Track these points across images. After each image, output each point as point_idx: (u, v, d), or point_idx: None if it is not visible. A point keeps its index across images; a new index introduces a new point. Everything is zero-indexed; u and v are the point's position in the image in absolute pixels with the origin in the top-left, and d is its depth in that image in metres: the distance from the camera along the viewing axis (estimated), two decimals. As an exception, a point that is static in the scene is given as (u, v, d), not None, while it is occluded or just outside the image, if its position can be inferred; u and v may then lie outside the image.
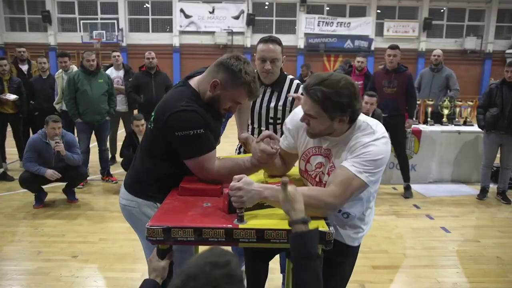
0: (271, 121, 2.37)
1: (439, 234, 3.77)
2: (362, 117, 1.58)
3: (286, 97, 2.34)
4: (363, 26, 17.97)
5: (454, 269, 3.08)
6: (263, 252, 1.93)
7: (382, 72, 4.80)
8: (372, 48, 17.91)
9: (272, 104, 2.35)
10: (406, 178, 4.89)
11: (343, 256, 1.71)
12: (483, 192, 4.82)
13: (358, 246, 1.80)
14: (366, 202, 1.69)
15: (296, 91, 2.35)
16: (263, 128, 2.44)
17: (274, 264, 3.04)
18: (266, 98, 2.35)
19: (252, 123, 2.49)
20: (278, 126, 2.39)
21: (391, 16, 18.10)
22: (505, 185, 4.78)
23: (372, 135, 1.51)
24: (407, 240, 3.61)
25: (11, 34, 17.39)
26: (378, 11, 18.08)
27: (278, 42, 2.25)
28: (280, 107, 2.33)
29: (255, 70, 2.01)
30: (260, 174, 1.95)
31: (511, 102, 4.45)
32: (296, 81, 2.39)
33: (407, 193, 4.86)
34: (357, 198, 1.59)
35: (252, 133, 2.49)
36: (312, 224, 1.37)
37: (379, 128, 1.55)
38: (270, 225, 1.36)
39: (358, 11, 18.20)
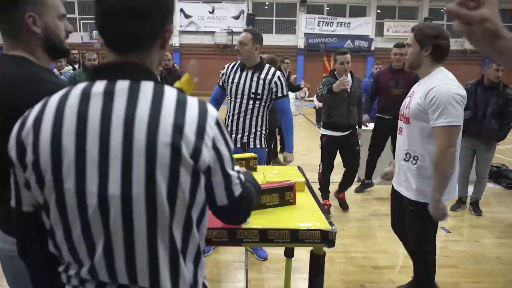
0: (252, 96, 2.79)
1: (439, 234, 3.73)
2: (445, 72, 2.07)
3: (266, 76, 2.82)
4: (363, 26, 18.00)
5: (454, 269, 3.08)
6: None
7: (387, 72, 4.48)
8: (372, 48, 17.93)
9: (255, 79, 2.81)
10: None
11: (412, 205, 2.14)
12: (459, 203, 4.33)
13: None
14: None
15: (273, 75, 2.84)
16: (244, 102, 2.81)
17: (274, 264, 3.05)
18: (249, 76, 2.82)
19: (233, 104, 2.85)
20: (257, 102, 2.81)
21: (391, 16, 18.12)
22: (478, 195, 4.26)
23: (439, 80, 2.00)
24: (407, 240, 3.62)
25: (11, 33, 17.39)
26: (378, 11, 18.10)
27: (251, 32, 2.78)
28: (261, 81, 2.81)
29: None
30: (260, 174, 1.96)
31: (484, 105, 3.94)
32: (273, 68, 2.88)
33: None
34: (430, 142, 1.98)
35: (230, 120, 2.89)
36: (315, 223, 1.38)
37: (449, 77, 2.04)
38: (273, 224, 1.37)
39: (358, 11, 18.22)
